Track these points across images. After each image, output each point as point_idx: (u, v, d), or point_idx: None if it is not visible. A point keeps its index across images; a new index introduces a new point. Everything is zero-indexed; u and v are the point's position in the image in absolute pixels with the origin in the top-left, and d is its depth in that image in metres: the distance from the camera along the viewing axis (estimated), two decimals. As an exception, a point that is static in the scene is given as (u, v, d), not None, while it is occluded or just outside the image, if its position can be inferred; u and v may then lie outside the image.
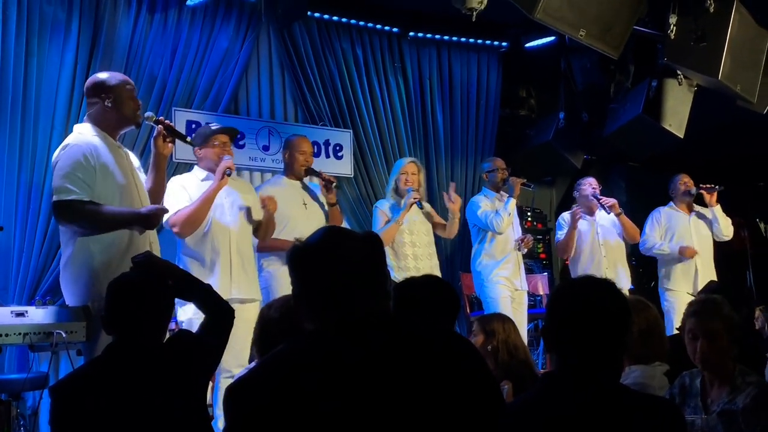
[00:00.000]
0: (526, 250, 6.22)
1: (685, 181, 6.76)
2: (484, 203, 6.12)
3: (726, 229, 6.68)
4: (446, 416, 1.69)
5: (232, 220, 4.54)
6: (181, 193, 4.47)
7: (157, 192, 3.96)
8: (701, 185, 6.66)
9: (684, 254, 6.57)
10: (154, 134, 3.92)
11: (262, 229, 4.75)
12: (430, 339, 1.82)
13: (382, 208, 5.78)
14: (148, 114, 3.99)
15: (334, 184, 5.23)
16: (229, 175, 4.48)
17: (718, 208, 6.67)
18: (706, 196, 6.66)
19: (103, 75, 3.85)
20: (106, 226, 3.59)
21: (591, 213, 6.56)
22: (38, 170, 5.29)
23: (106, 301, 2.76)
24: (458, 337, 1.95)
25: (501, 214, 5.94)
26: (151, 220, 3.70)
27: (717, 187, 6.61)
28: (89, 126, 3.73)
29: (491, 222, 5.94)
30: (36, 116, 5.34)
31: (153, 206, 3.77)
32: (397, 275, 5.37)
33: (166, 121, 3.94)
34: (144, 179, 3.94)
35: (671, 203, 6.86)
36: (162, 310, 2.79)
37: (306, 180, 5.29)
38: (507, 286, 5.99)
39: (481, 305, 6.32)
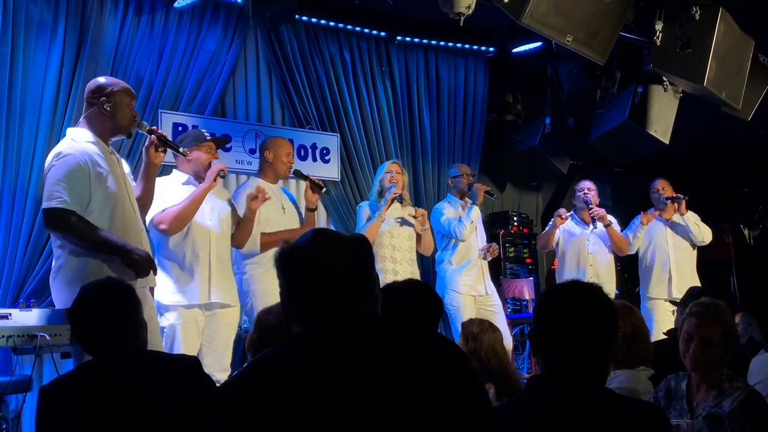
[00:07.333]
0: (491, 258, 6.20)
1: (657, 188, 6.72)
2: (448, 210, 6.15)
3: (700, 235, 6.58)
4: (435, 419, 1.69)
5: (212, 225, 4.55)
6: (165, 193, 4.45)
7: (144, 201, 3.97)
8: (667, 197, 6.63)
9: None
10: (147, 143, 3.91)
11: (238, 229, 4.72)
12: (418, 342, 1.82)
13: (365, 208, 5.77)
14: (142, 123, 3.99)
15: (324, 189, 5.19)
16: (223, 177, 4.53)
17: (688, 216, 6.61)
18: (675, 206, 6.61)
19: (106, 80, 3.85)
20: (88, 245, 3.56)
21: (585, 220, 6.58)
22: (23, 172, 5.24)
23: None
24: (444, 339, 1.95)
25: (464, 222, 5.97)
26: (137, 265, 3.58)
27: (682, 197, 6.57)
28: (85, 131, 3.71)
29: (454, 229, 5.98)
30: (21, 118, 5.28)
31: (146, 253, 3.68)
32: None
33: (159, 131, 3.95)
34: (133, 186, 3.93)
35: (652, 209, 6.80)
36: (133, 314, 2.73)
37: (279, 184, 5.23)
38: (469, 294, 6.00)
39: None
